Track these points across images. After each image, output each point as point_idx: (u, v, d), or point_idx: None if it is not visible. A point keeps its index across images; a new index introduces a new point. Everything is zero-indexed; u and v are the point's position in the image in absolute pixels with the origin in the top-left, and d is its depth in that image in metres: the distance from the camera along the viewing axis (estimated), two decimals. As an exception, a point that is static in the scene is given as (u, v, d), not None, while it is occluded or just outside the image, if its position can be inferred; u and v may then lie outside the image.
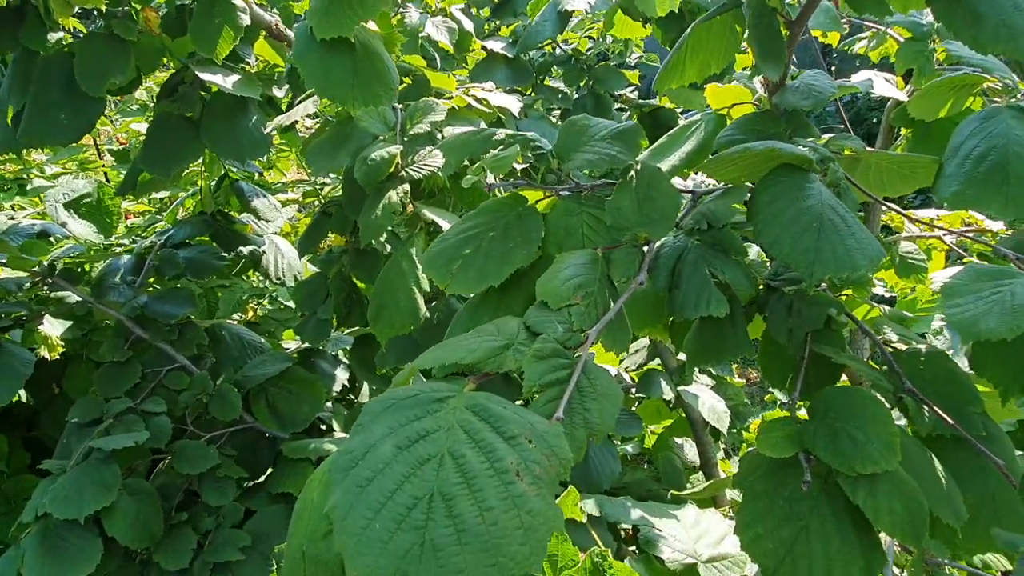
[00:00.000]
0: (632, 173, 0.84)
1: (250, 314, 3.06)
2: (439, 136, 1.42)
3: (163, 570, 1.80)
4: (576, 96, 2.33)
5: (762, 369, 1.00)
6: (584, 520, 1.73)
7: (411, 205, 1.35)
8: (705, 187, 0.95)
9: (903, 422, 0.98)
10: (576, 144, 0.90)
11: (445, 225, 1.36)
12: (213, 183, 2.37)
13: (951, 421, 0.89)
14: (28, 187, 2.75)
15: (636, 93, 2.76)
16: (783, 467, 0.86)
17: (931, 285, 1.27)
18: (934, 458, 0.88)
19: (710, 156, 0.91)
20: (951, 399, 0.93)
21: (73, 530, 1.67)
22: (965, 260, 1.41)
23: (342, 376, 2.38)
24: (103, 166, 3.34)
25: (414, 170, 1.35)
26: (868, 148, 1.00)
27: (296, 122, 1.62)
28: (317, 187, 3.62)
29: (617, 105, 2.38)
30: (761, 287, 0.98)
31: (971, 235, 1.30)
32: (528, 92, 2.42)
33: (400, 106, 1.49)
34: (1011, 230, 1.42)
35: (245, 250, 2.34)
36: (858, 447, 0.79)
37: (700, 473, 2.21)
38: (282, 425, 2.10)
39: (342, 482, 0.56)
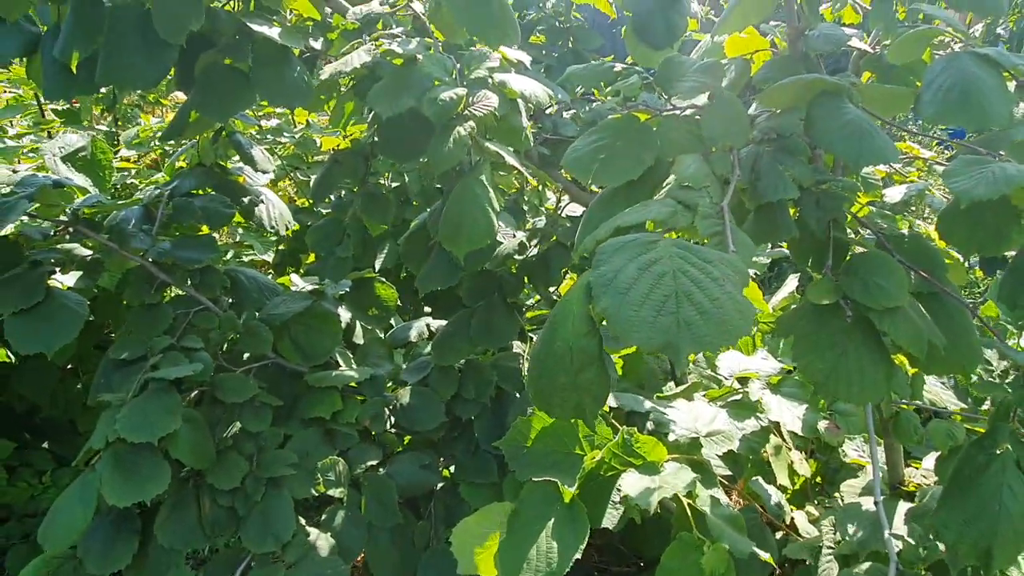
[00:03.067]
0: (717, 98, 1.13)
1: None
2: (490, 81, 1.65)
3: (216, 490, 1.96)
4: (556, 53, 2.60)
5: (791, 251, 1.32)
6: (608, 410, 2.04)
7: (475, 139, 1.58)
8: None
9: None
10: (675, 75, 1.17)
11: (506, 156, 1.60)
12: (211, 135, 2.47)
13: (932, 280, 1.25)
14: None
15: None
16: (823, 313, 1.19)
17: (885, 198, 1.65)
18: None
19: (763, 88, 1.20)
20: (926, 266, 1.29)
21: (142, 453, 1.80)
22: (898, 179, 1.81)
23: (345, 316, 2.56)
24: (52, 127, 3.29)
25: (476, 109, 1.58)
26: (863, 83, 1.33)
27: (345, 73, 1.79)
28: (271, 146, 3.69)
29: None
30: (792, 189, 1.30)
31: (909, 160, 1.69)
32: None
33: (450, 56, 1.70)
34: (939, 158, 1.83)
35: (246, 200, 2.47)
36: (883, 291, 1.13)
37: (671, 383, 2.57)
38: (305, 358, 2.27)
39: (606, 292, 0.82)
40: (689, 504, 1.69)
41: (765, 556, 1.65)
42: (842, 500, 2.05)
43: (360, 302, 2.58)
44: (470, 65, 1.61)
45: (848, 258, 1.19)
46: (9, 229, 2.08)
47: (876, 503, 1.35)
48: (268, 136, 3.70)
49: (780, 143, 1.14)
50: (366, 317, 2.62)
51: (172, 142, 2.69)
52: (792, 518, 2.18)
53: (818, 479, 2.59)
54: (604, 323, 0.79)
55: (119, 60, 1.57)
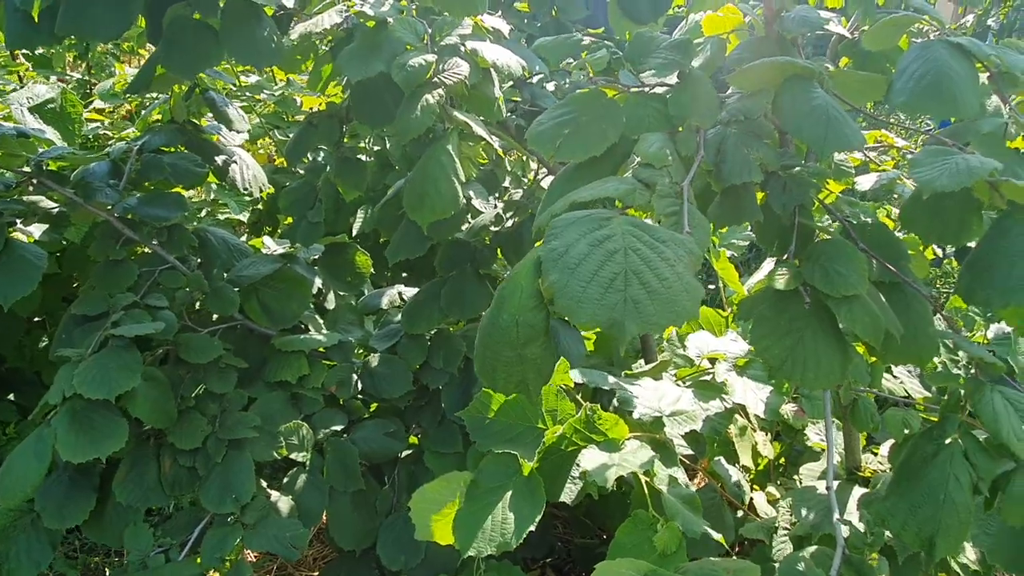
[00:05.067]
0: (687, 76, 1.11)
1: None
2: (463, 48, 1.62)
3: (177, 450, 1.95)
4: (539, 23, 2.55)
5: (757, 235, 1.32)
6: (572, 386, 2.04)
7: (443, 107, 1.55)
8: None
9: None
10: (645, 51, 1.16)
11: (474, 126, 1.58)
12: (184, 92, 2.41)
13: (893, 269, 1.25)
14: (-37, 91, 2.65)
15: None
16: (783, 298, 1.19)
17: (856, 185, 1.65)
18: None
19: (734, 70, 1.18)
20: (889, 255, 1.29)
21: (99, 410, 1.78)
22: (872, 167, 1.80)
23: (317, 281, 2.54)
24: (21, 71, 3.21)
25: (446, 77, 1.55)
26: (836, 69, 1.32)
27: (315, 33, 1.75)
28: (250, 103, 3.61)
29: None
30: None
31: (883, 148, 1.68)
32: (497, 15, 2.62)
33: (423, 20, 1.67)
34: (912, 147, 1.82)
35: (219, 159, 2.42)
36: (842, 278, 1.13)
37: (641, 360, 2.58)
38: (272, 321, 2.25)
39: (555, 267, 0.81)
40: (647, 482, 1.71)
41: (717, 536, 1.68)
42: (800, 482, 2.08)
43: (333, 267, 2.56)
44: (442, 31, 1.58)
45: (812, 245, 1.19)
46: (-31, 178, 2.03)
47: (828, 488, 1.36)
48: (247, 93, 3.63)
49: (747, 125, 1.13)
50: (339, 283, 2.60)
51: (148, 95, 2.62)
52: (752, 499, 2.21)
53: (782, 460, 2.63)
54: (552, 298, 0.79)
55: (81, 10, 1.52)
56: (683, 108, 1.10)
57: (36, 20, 1.59)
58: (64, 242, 2.36)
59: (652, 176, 0.95)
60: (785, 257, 1.21)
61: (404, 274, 3.01)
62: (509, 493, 1.68)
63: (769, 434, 2.59)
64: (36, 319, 2.97)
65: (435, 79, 1.56)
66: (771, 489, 2.58)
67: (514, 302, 0.85)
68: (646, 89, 1.14)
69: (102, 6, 1.54)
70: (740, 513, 2.26)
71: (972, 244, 1.23)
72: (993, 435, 1.01)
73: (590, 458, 1.70)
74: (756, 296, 1.22)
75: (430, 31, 1.63)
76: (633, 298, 0.77)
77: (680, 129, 1.10)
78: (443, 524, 1.65)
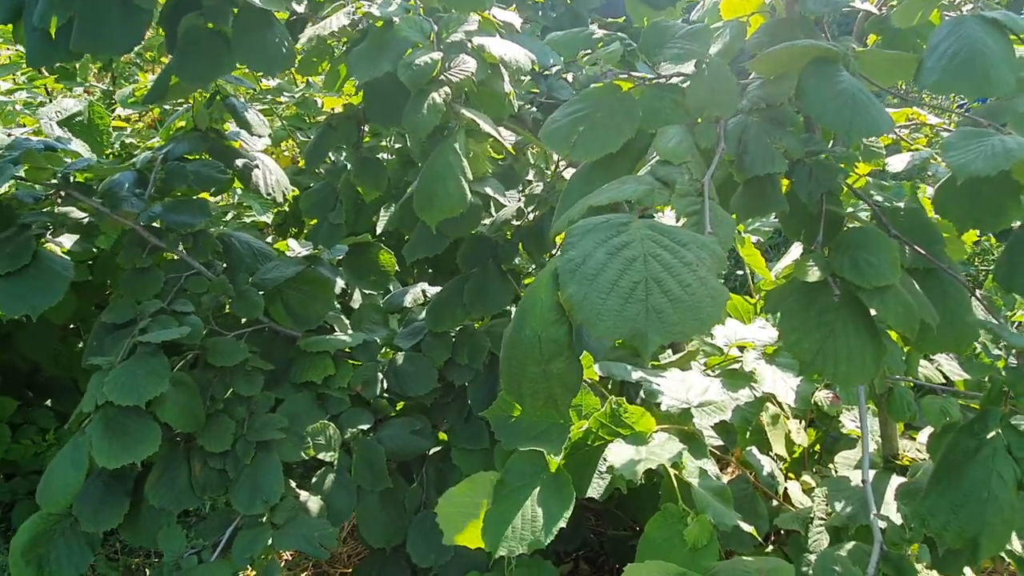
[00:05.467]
0: (704, 65, 1.07)
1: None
2: (469, 45, 1.59)
3: (207, 452, 1.97)
4: (554, 14, 2.51)
5: (784, 226, 1.28)
6: (597, 379, 2.02)
7: (451, 105, 1.53)
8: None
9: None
10: (659, 41, 1.12)
11: (482, 124, 1.56)
12: (206, 99, 2.42)
13: (928, 255, 1.20)
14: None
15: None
16: (811, 290, 1.15)
17: (888, 167, 1.59)
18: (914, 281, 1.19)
19: (755, 55, 1.14)
20: (923, 240, 1.25)
21: (131, 416, 1.80)
22: (904, 146, 1.74)
23: (340, 281, 2.54)
24: (48, 83, 3.25)
25: (452, 74, 1.53)
26: (863, 48, 1.27)
27: (323, 37, 1.73)
28: (271, 105, 3.62)
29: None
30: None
31: (915, 126, 1.62)
32: (512, 9, 2.58)
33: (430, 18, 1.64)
34: (946, 124, 1.76)
35: (240, 163, 2.43)
36: (873, 268, 1.09)
37: (669, 351, 2.55)
38: (297, 323, 2.26)
39: (572, 279, 0.78)
40: (676, 475, 1.68)
41: (749, 529, 1.65)
42: (836, 471, 2.04)
43: (358, 267, 2.56)
44: (448, 28, 1.55)
45: (839, 233, 1.15)
46: (2, 190, 2.06)
47: (864, 482, 1.33)
48: (268, 96, 3.63)
49: (769, 113, 1.09)
50: (364, 282, 2.60)
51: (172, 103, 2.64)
52: (786, 488, 2.17)
53: (817, 448, 2.58)
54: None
55: (92, 26, 1.53)
56: (701, 99, 1.06)
57: (53, 38, 1.60)
58: (96, 250, 2.39)
59: (671, 174, 0.91)
60: (813, 248, 1.17)
61: (429, 271, 3.00)
62: (537, 490, 1.67)
63: (803, 421, 2.54)
64: (71, 327, 3.03)
65: (441, 77, 1.54)
66: (806, 478, 2.53)
67: (535, 317, 0.83)
68: (662, 80, 1.11)
69: (113, 23, 1.55)
70: (775, 503, 2.23)
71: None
72: (1037, 429, 0.97)
73: (617, 452, 1.68)
74: (783, 288, 1.18)
75: (436, 28, 1.60)
76: (655, 307, 0.75)
77: (699, 121, 1.07)
78: (471, 528, 1.64)
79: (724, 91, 1.07)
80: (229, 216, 3.43)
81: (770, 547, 2.23)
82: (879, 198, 1.27)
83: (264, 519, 1.92)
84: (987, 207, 1.13)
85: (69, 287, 2.26)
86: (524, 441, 1.75)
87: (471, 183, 1.82)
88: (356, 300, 2.82)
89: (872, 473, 1.33)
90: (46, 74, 3.30)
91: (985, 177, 1.04)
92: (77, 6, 1.53)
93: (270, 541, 1.87)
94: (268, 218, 3.13)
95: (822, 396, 2.31)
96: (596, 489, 1.72)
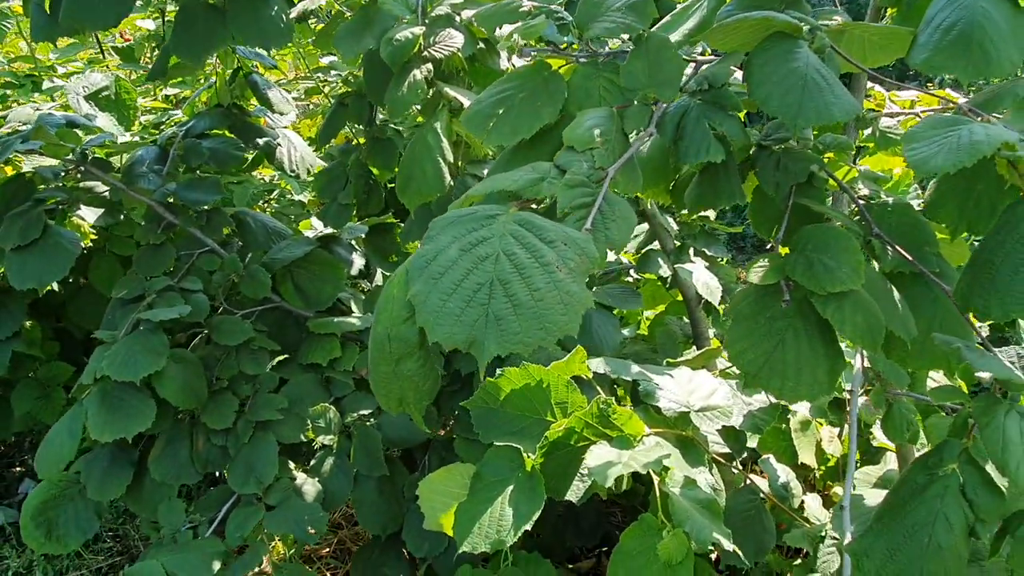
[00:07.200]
0: (643, 41, 0.97)
1: (260, 210, 3.18)
2: (457, 18, 1.51)
3: (210, 429, 2.00)
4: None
5: (752, 221, 1.15)
6: (590, 377, 1.93)
7: (434, 83, 1.46)
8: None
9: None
10: (594, 14, 1.02)
11: (465, 101, 1.48)
12: (228, 76, 2.45)
13: (910, 258, 1.05)
14: (44, 85, 2.82)
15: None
16: (766, 294, 1.03)
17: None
18: (892, 287, 1.05)
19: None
20: (911, 241, 1.09)
21: (128, 391, 1.85)
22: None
23: (358, 262, 2.53)
24: (109, 64, 3.38)
25: (436, 50, 1.46)
26: (852, 22, 1.12)
27: (311, 11, 1.70)
28: (320, 83, 3.67)
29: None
30: (753, 148, 1.12)
31: (947, 111, 1.43)
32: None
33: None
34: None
35: (261, 141, 2.45)
36: (829, 271, 0.95)
37: (693, 347, 2.41)
38: (307, 303, 2.26)
39: (420, 276, 0.71)
40: (658, 483, 1.58)
41: (729, 547, 1.52)
42: (855, 488, 1.87)
43: (378, 246, 2.55)
44: (433, 1, 1.48)
45: (798, 231, 1.01)
46: (26, 167, 2.15)
47: (843, 508, 1.19)
48: (318, 74, 3.66)
49: (711, 95, 0.97)
50: (384, 262, 2.59)
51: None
52: (803, 501, 2.01)
53: (858, 458, 2.39)
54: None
55: (79, 2, 1.54)
56: (636, 79, 0.95)
57: (49, 12, 1.63)
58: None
59: (571, 161, 0.82)
60: (771, 246, 1.04)
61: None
62: (511, 488, 1.61)
63: (839, 428, 2.36)
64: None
65: (425, 53, 1.47)
66: (837, 489, 2.36)
67: (386, 314, 0.77)
68: (599, 59, 1.00)
69: (101, -2, 1.56)
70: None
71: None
72: (999, 468, 0.82)
73: (597, 455, 1.58)
74: (741, 291, 1.06)
75: (421, 2, 1.53)
76: (496, 313, 0.67)
77: (636, 103, 0.96)
78: (451, 515, 1.60)
79: (667, 70, 0.95)
80: (274, 195, 3.50)
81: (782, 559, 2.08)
82: (866, 191, 1.13)
83: (257, 499, 1.94)
84: (980, 208, 0.97)
85: (118, 261, 2.37)
86: (503, 436, 1.68)
87: (467, 165, 1.75)
88: (378, 279, 2.81)
89: (849, 502, 1.19)
90: (111, 56, 3.44)
91: (977, 173, 0.89)
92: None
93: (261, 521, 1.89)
94: (305, 197, 3.17)
95: (862, 402, 2.13)
96: (575, 492, 1.63)
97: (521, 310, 0.67)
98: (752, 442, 2.15)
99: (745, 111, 1.12)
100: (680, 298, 2.49)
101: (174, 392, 1.90)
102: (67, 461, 1.82)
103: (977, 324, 1.11)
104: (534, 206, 0.81)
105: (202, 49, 1.72)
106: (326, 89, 3.72)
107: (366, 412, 2.12)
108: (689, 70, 1.06)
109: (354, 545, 2.71)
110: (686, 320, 2.49)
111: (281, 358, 2.30)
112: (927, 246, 1.09)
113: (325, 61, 3.71)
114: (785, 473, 2.02)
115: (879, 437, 2.12)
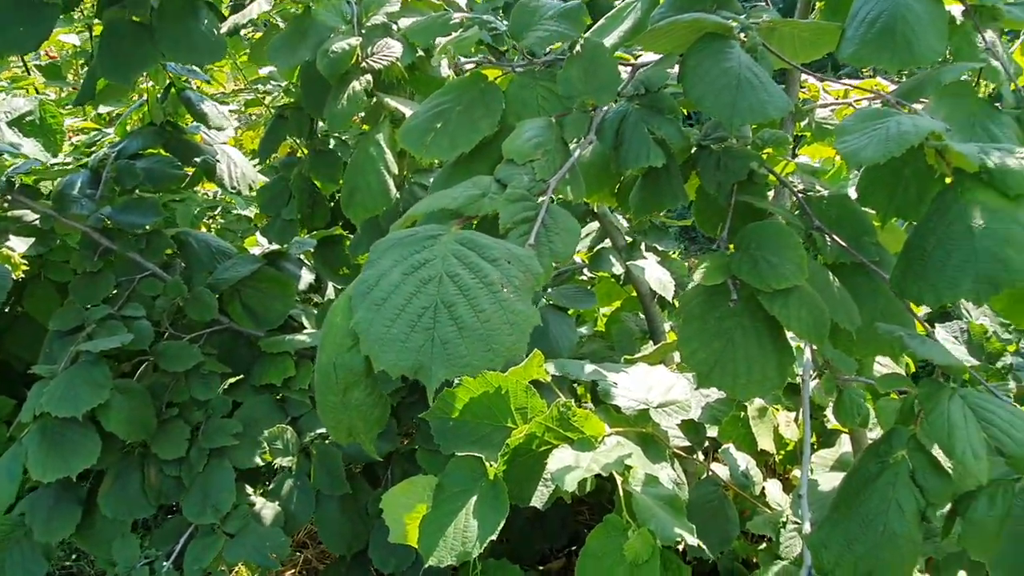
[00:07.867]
0: (578, 47, 0.96)
1: (204, 229, 3.10)
2: (394, 27, 1.49)
3: (161, 460, 1.94)
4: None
5: (697, 220, 1.16)
6: (549, 380, 1.92)
7: (374, 94, 1.44)
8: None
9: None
10: (528, 23, 1.01)
11: (407, 112, 1.46)
12: (160, 93, 2.37)
13: (850, 249, 1.07)
14: (-37, 109, 2.70)
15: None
16: (714, 293, 1.03)
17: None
18: (835, 278, 1.06)
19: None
20: (850, 232, 1.11)
21: (70, 427, 1.78)
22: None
23: (308, 276, 2.48)
24: (35, 83, 3.25)
25: (374, 61, 1.43)
26: (782, 19, 1.13)
27: (242, 25, 1.66)
28: (260, 96, 3.60)
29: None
30: (694, 148, 1.12)
31: (877, 101, 1.47)
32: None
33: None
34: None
35: (199, 159, 2.38)
36: (773, 268, 0.96)
37: (650, 342, 2.42)
38: (257, 323, 2.21)
39: (362, 303, 0.69)
40: (621, 483, 1.58)
41: (693, 542, 1.54)
42: (812, 472, 1.90)
43: (328, 260, 2.50)
44: (368, 10, 1.45)
45: (741, 230, 1.02)
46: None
47: (800, 496, 1.21)
48: (258, 84, 3.58)
49: (648, 99, 0.97)
50: (335, 276, 2.54)
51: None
52: (763, 488, 2.04)
53: (814, 441, 2.44)
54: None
55: (1, 27, 1.48)
56: (573, 86, 0.95)
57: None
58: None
59: (511, 175, 0.81)
60: (716, 245, 1.05)
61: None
62: (474, 498, 1.60)
63: (796, 412, 2.40)
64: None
65: (363, 64, 1.45)
66: (797, 473, 2.40)
67: (330, 343, 0.75)
68: (535, 68, 1.00)
69: (20, 23, 1.50)
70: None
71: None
72: (946, 452, 0.84)
73: (559, 459, 1.58)
74: (690, 291, 1.07)
75: (356, 10, 1.51)
76: (442, 337, 0.65)
77: (574, 110, 0.95)
78: (414, 528, 1.58)
79: (603, 76, 0.95)
80: (218, 211, 3.41)
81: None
82: (803, 185, 1.14)
83: (216, 528, 1.89)
84: (909, 194, 0.99)
85: (54, 288, 2.28)
86: (464, 445, 1.67)
87: (413, 175, 1.73)
88: (329, 293, 2.76)
89: (807, 489, 1.21)
90: (34, 75, 3.31)
91: (904, 160, 0.91)
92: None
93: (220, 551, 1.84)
94: (251, 212, 3.10)
95: (813, 384, 2.17)
96: (540, 498, 1.63)
97: (467, 333, 0.66)
98: (712, 432, 2.17)
99: (686, 112, 1.13)
100: (635, 293, 2.51)
101: (120, 424, 1.83)
102: (7, 504, 1.74)
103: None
104: (476, 222, 0.80)
105: (130, 69, 1.67)
106: (267, 100, 3.65)
107: (324, 431, 2.09)
108: (626, 74, 1.06)
109: (320, 564, 2.66)
110: (642, 316, 2.51)
111: (233, 380, 2.24)
112: (865, 235, 1.11)
113: (264, 71, 3.64)
114: (745, 461, 2.05)
115: (833, 420, 2.16)
